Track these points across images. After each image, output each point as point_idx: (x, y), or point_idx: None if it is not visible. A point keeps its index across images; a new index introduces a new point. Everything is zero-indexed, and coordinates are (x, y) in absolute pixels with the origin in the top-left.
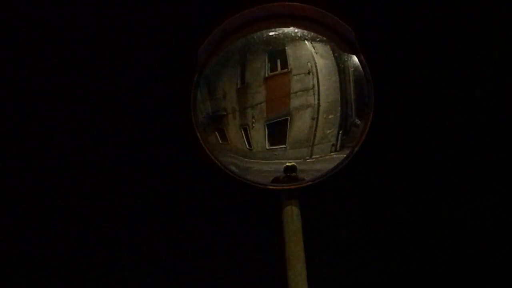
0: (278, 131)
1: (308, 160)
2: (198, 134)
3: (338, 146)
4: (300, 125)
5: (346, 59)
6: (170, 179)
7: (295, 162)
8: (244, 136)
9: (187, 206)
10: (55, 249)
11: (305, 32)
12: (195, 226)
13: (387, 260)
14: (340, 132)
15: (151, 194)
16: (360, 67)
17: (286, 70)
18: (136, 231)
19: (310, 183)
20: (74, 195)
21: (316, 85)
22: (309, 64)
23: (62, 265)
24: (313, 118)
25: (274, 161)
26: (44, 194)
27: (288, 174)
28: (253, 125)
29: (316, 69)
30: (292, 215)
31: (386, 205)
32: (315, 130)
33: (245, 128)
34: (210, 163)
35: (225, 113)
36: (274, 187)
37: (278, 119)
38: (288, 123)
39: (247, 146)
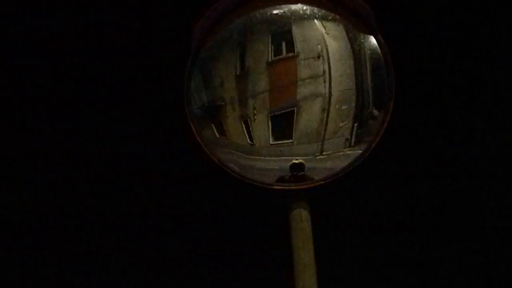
0: (283, 124)
1: (318, 157)
2: (193, 128)
3: (353, 141)
4: (308, 117)
5: (362, 41)
6: (161, 179)
7: (303, 159)
8: (245, 130)
9: (178, 211)
10: (49, 248)
11: (315, 9)
12: (186, 235)
13: (407, 272)
14: (355, 124)
15: (140, 194)
16: (379, 49)
17: (292, 54)
18: (130, 233)
19: (320, 183)
20: (64, 193)
21: (327, 71)
22: (319, 46)
23: (55, 265)
24: (323, 109)
25: (279, 158)
26: (34, 191)
27: (295, 173)
28: (255, 117)
29: (327, 53)
30: (300, 219)
31: (407, 208)
32: (326, 122)
33: (245, 121)
34: (206, 160)
35: (222, 103)
36: (280, 188)
37: (284, 111)
38: (295, 114)
39: (248, 141)
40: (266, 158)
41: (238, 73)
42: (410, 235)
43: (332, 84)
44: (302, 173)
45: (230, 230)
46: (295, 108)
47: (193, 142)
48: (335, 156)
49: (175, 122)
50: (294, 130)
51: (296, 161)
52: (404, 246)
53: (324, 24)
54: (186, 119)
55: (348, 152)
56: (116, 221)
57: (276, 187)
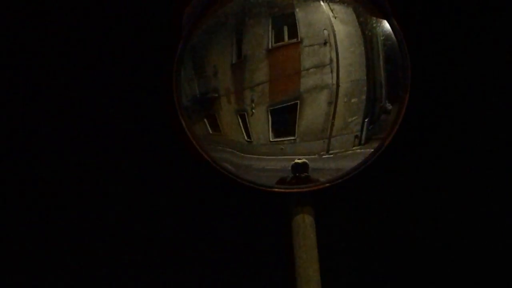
0: (285, 119)
1: (324, 156)
2: (183, 122)
3: (363, 138)
4: (313, 111)
5: (374, 26)
6: (147, 178)
7: (307, 159)
8: (242, 125)
9: (165, 215)
10: (38, 248)
11: None
12: (173, 245)
13: (419, 280)
14: (366, 120)
15: (126, 193)
16: (393, 35)
17: (295, 40)
18: (122, 237)
19: (326, 185)
20: (47, 190)
21: (334, 59)
22: (325, 32)
23: (44, 265)
24: (330, 102)
25: (280, 157)
26: (18, 186)
27: (298, 174)
28: (253, 111)
29: (335, 39)
30: (304, 226)
31: (425, 213)
32: (333, 117)
33: (242, 115)
34: (198, 159)
35: (216, 95)
36: (280, 191)
37: (285, 104)
38: (298, 108)
39: (245, 138)
40: (265, 157)
41: (234, 61)
42: (429, 244)
43: (340, 74)
44: (306, 174)
45: (223, 238)
46: (298, 101)
47: (183, 139)
48: (343, 155)
49: (163, 116)
50: (297, 125)
51: (299, 161)
52: (422, 258)
53: (332, 7)
54: (176, 112)
55: (358, 150)
56: (100, 227)
57: (276, 189)
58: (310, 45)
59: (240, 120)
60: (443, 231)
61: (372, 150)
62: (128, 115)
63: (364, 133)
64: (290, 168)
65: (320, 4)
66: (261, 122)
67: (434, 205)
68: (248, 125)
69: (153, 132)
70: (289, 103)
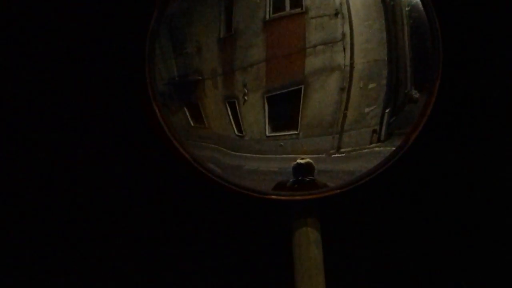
0: (285, 109)
1: (333, 156)
2: (157, 111)
3: (383, 133)
4: (321, 99)
5: None
6: (114, 177)
7: (312, 159)
8: (231, 116)
9: (135, 221)
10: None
11: None
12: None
13: None
14: (387, 111)
15: (89, 195)
16: (421, 5)
17: (299, 9)
18: (104, 242)
19: (336, 192)
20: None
21: (347, 34)
22: (336, 0)
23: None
24: (342, 88)
25: (278, 156)
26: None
27: (301, 177)
28: (245, 97)
29: (349, 9)
30: (308, 243)
31: (453, 225)
32: (346, 107)
33: (232, 103)
34: (176, 157)
35: (199, 77)
36: (279, 198)
37: (286, 90)
38: (302, 95)
39: (236, 131)
40: (260, 156)
41: (222, 35)
42: (452, 261)
43: (355, 53)
44: (311, 177)
45: (212, 255)
46: (302, 86)
47: (157, 132)
48: (357, 155)
49: (132, 104)
50: (300, 117)
51: (302, 161)
52: (447, 276)
53: None
54: (148, 99)
55: (376, 149)
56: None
57: (273, 197)
58: (318, 16)
59: (229, 110)
60: (481, 248)
61: (394, 148)
62: (89, 101)
63: (384, 127)
64: (291, 169)
65: None
66: (255, 112)
67: (470, 216)
68: (239, 115)
69: (119, 124)
70: (290, 89)
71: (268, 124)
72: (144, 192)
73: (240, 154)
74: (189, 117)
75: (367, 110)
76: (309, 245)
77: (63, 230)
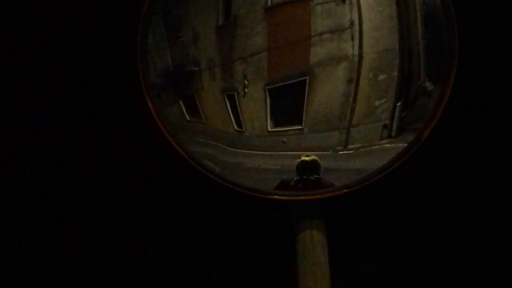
0: (288, 102)
1: (340, 153)
2: (150, 105)
3: (394, 128)
4: (327, 92)
5: None
6: (106, 174)
7: (318, 156)
8: (230, 110)
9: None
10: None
11: None
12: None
13: None
14: (399, 104)
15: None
16: None
17: None
18: (104, 246)
19: (343, 191)
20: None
21: (356, 21)
22: None
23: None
24: (350, 80)
25: (281, 153)
26: None
27: (306, 176)
28: (246, 90)
29: None
30: (312, 246)
31: (468, 226)
32: (354, 100)
33: (231, 96)
34: (171, 153)
35: (196, 68)
36: (282, 198)
37: (289, 81)
38: (307, 87)
39: (235, 126)
40: (261, 152)
41: (220, 22)
42: (469, 265)
43: (364, 42)
44: (316, 176)
45: (211, 258)
46: (307, 78)
47: (150, 127)
48: (366, 152)
49: (124, 96)
50: (304, 111)
51: (307, 158)
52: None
53: None
54: (141, 91)
55: (387, 145)
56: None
57: (276, 197)
58: (324, 2)
59: (228, 103)
60: (500, 250)
61: (406, 145)
62: (78, 94)
63: (395, 122)
64: (295, 167)
65: None
66: (256, 106)
67: (489, 218)
68: (239, 109)
69: (110, 118)
70: (294, 80)
71: (270, 118)
72: (140, 192)
73: (239, 151)
74: (184, 110)
75: (377, 103)
76: (314, 248)
77: (60, 229)
